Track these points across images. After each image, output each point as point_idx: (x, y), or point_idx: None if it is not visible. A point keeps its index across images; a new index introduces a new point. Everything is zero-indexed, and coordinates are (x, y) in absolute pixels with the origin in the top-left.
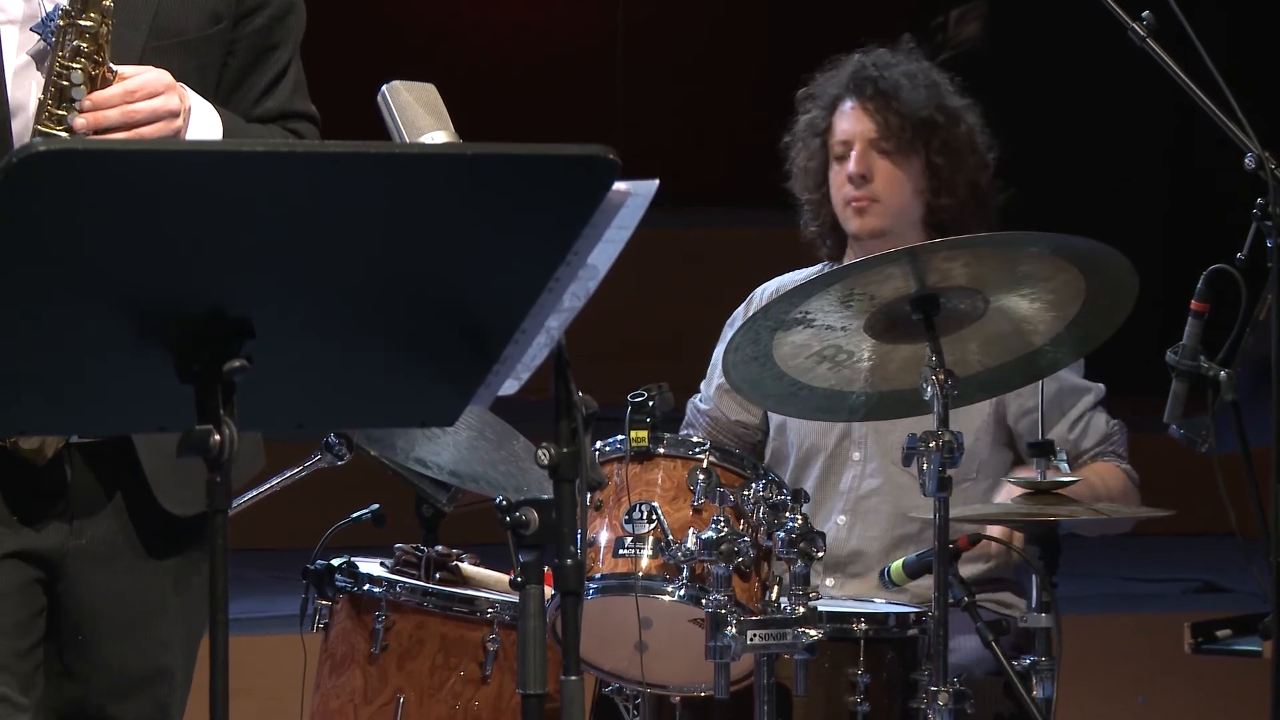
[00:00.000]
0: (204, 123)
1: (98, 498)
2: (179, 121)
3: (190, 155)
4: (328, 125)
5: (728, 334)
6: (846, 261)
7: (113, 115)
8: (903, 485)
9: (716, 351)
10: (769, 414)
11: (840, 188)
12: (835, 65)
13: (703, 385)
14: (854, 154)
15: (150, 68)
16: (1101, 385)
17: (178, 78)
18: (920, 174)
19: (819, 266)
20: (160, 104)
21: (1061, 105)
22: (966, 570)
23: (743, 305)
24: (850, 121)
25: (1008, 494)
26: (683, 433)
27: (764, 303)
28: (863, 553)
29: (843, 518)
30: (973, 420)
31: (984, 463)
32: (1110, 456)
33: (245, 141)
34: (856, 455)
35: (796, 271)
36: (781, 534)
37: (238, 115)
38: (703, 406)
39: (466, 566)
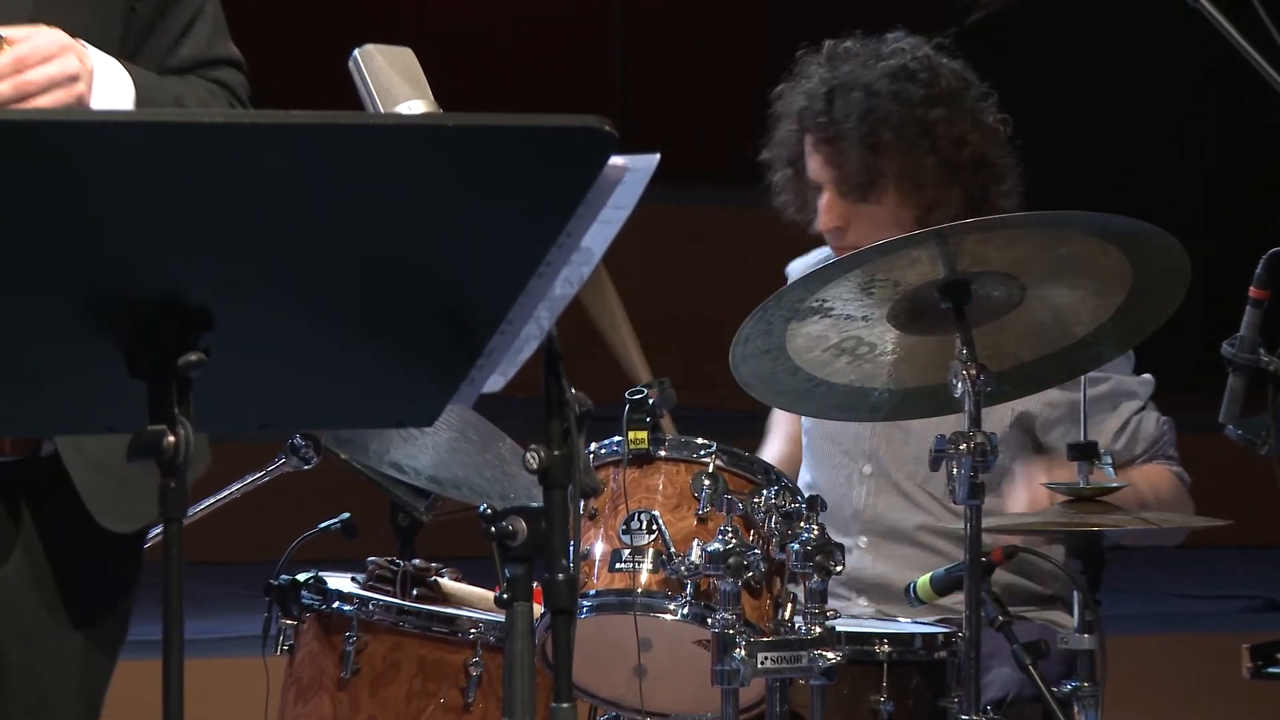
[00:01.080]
0: (111, 84)
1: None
2: (81, 86)
3: (120, 127)
4: (295, 97)
5: None
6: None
7: (3, 89)
8: (915, 500)
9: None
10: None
11: (822, 226)
12: (801, 66)
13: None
14: (822, 205)
15: (42, 28)
16: (1150, 377)
17: (78, 33)
18: (903, 199)
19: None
20: (56, 69)
21: (1094, 76)
22: (1003, 578)
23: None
24: (814, 163)
25: (1029, 489)
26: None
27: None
28: (888, 572)
29: (864, 539)
30: (1002, 421)
31: (1010, 462)
32: (1159, 459)
33: (198, 112)
34: (867, 469)
35: (814, 251)
36: (796, 546)
37: (150, 69)
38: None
39: (447, 582)
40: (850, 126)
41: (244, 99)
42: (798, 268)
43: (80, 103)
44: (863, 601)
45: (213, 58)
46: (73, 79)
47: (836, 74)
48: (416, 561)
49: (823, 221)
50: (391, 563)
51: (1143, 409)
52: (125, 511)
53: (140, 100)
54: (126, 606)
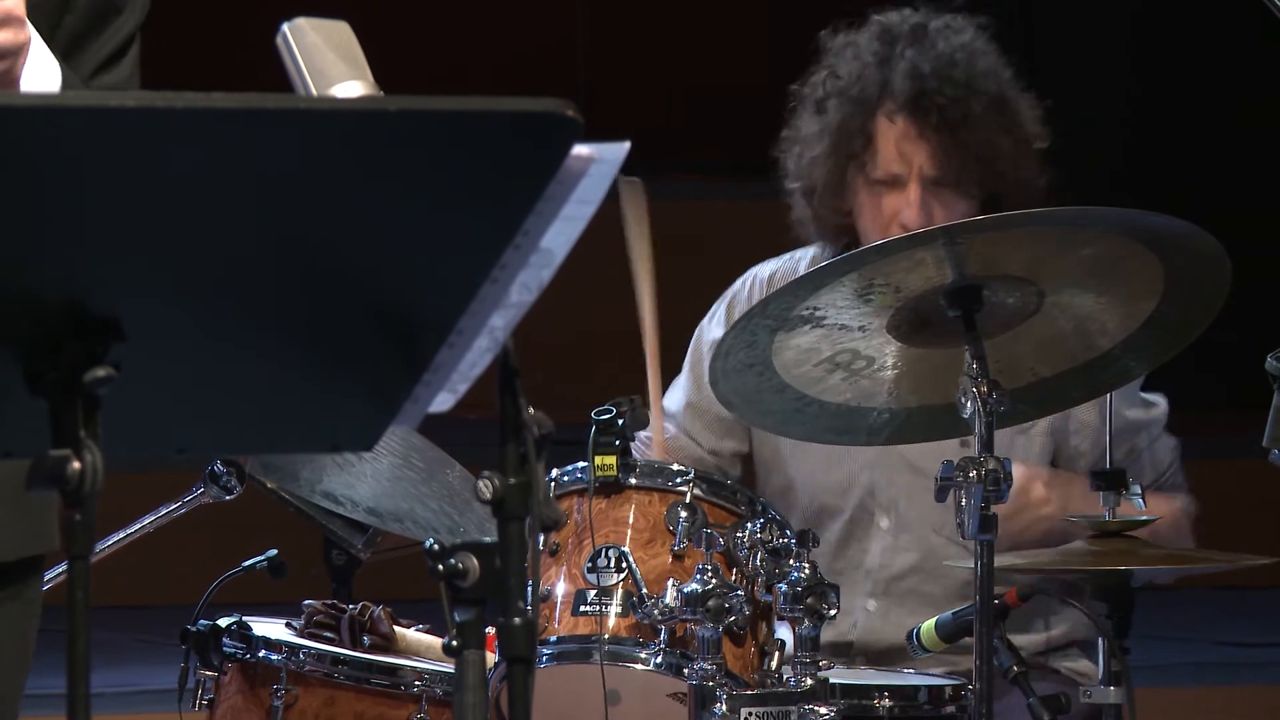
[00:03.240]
0: (40, 66)
1: None
2: (19, 59)
3: (16, 111)
4: (216, 77)
5: (707, 337)
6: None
7: None
8: (950, 557)
9: (687, 363)
10: (755, 447)
11: (886, 223)
12: (859, 34)
13: (665, 402)
14: (911, 197)
15: None
16: (1163, 400)
17: None
18: (974, 198)
19: (812, 249)
20: (10, 36)
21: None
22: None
23: (720, 301)
24: (903, 148)
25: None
26: None
27: (749, 296)
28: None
29: (873, 603)
30: (1030, 448)
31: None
32: (1169, 489)
33: (106, 95)
34: (885, 523)
35: (791, 253)
36: (784, 587)
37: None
38: (650, 434)
39: (412, 633)
40: (974, 103)
41: None
42: (747, 284)
43: (9, 75)
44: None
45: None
46: (16, 51)
47: (925, 53)
48: (381, 608)
49: (914, 214)
50: (333, 607)
51: (1157, 438)
52: (9, 536)
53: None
54: (22, 646)
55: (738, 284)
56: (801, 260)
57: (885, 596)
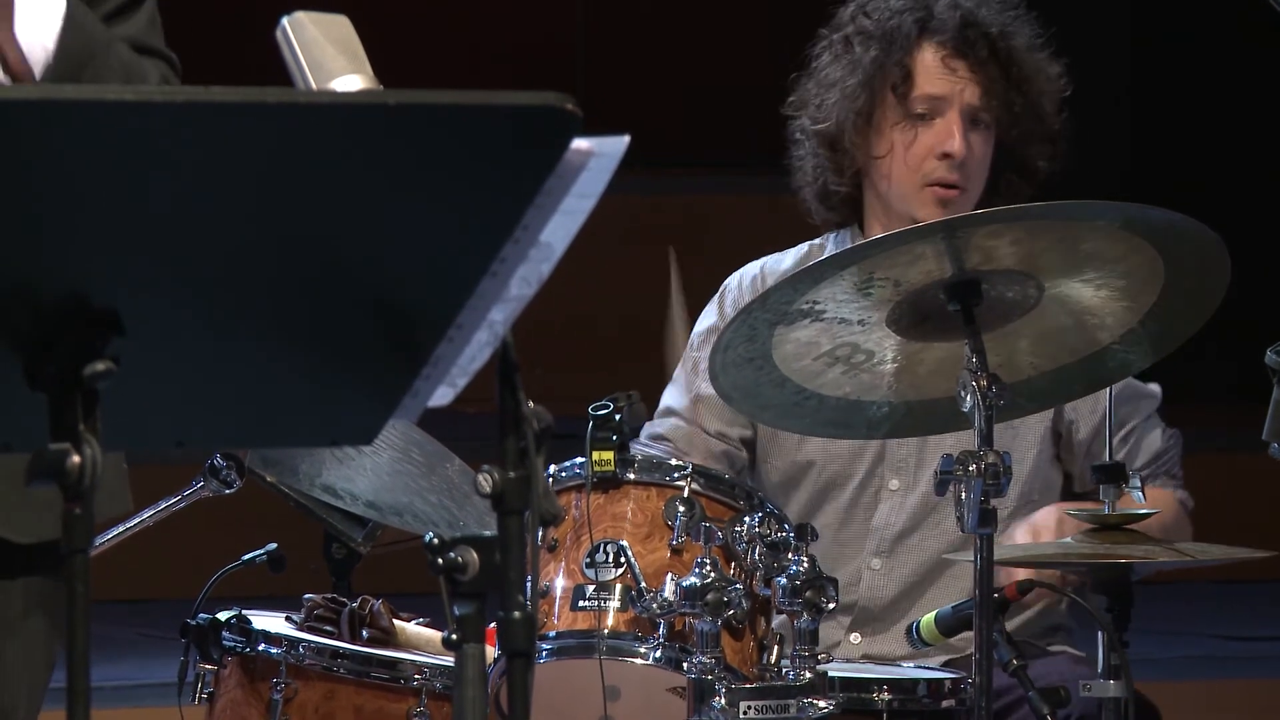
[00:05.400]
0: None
1: None
2: None
3: (14, 105)
4: (215, 70)
5: (699, 328)
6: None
7: None
8: (951, 515)
9: (683, 363)
10: (758, 426)
11: (920, 159)
12: None
13: (666, 399)
14: (955, 128)
15: None
16: (1157, 387)
17: None
18: (1000, 141)
19: (806, 245)
20: None
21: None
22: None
23: (714, 300)
24: (947, 78)
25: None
26: None
27: (742, 294)
28: (905, 602)
29: (877, 561)
30: (1029, 435)
31: (1041, 489)
32: (1161, 478)
33: (104, 88)
34: (895, 484)
35: (783, 253)
36: (783, 580)
37: None
38: (665, 429)
39: (412, 627)
40: (1018, 33)
41: None
42: (739, 281)
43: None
44: (854, 638)
45: (149, 47)
46: None
47: None
48: (379, 602)
49: (957, 145)
50: (334, 600)
51: (1148, 420)
52: (27, 520)
53: (67, 31)
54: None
55: (731, 280)
56: (794, 253)
57: (889, 555)
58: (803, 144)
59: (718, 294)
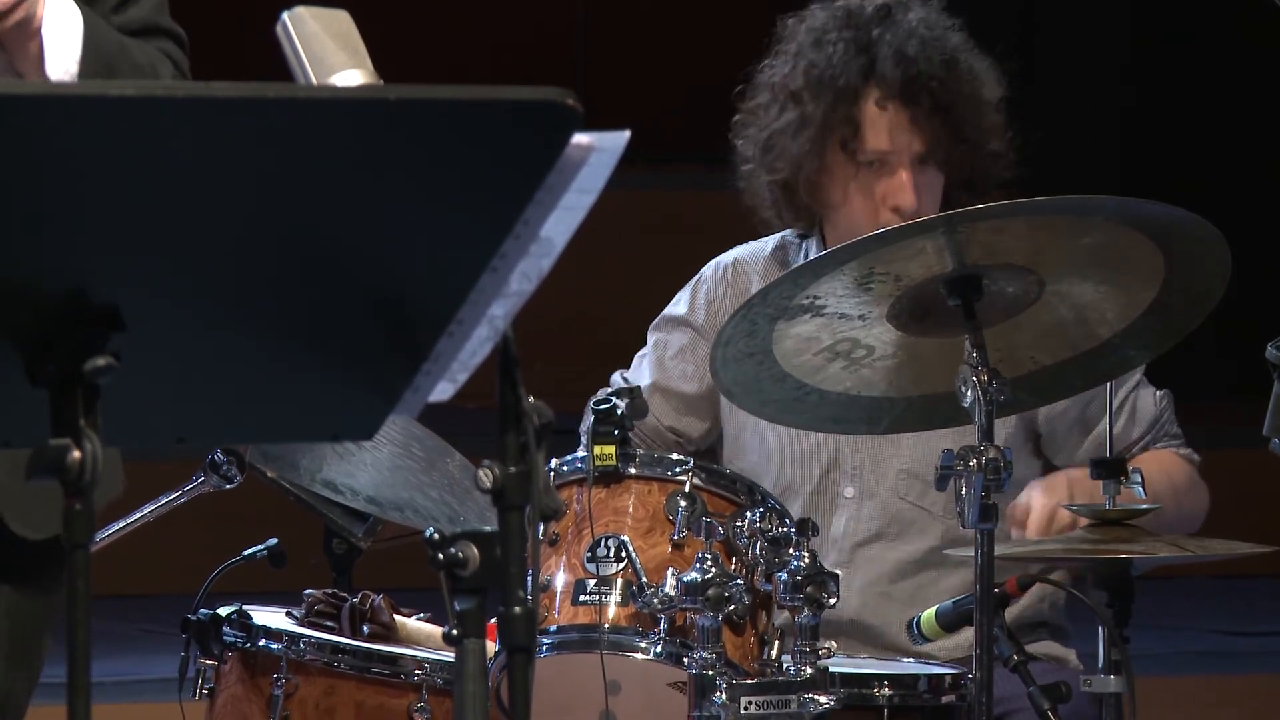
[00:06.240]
0: (61, 18)
1: None
2: (38, 4)
3: (15, 100)
4: (217, 66)
5: (673, 315)
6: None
7: None
8: (913, 523)
9: (653, 345)
10: (724, 426)
11: (874, 209)
12: (816, 19)
13: (633, 371)
14: (905, 179)
15: None
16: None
17: None
18: (952, 168)
19: (777, 236)
20: None
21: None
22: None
23: (688, 287)
24: (894, 133)
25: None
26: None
27: (715, 285)
28: (872, 614)
29: (839, 573)
30: (998, 431)
31: (1016, 481)
32: (1163, 440)
33: (105, 84)
34: (850, 492)
35: (760, 241)
36: (784, 576)
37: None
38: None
39: (413, 623)
40: (949, 88)
41: (187, 75)
42: (715, 270)
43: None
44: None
45: (157, 26)
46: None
47: (900, 35)
48: (380, 597)
49: (908, 198)
50: (334, 595)
51: (1138, 385)
52: (37, 517)
53: (87, 42)
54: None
55: (707, 270)
56: (768, 244)
57: (849, 566)
58: (756, 176)
59: (693, 281)
